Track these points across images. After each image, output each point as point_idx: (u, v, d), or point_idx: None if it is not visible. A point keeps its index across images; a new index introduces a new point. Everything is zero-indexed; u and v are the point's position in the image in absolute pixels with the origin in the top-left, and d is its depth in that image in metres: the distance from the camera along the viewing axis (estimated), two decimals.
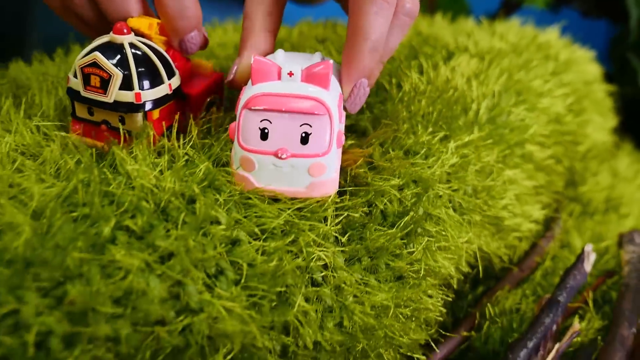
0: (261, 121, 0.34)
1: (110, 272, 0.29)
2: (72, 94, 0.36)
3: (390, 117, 0.44)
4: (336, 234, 0.36)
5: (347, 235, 0.36)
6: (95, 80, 0.35)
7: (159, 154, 0.35)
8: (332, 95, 0.34)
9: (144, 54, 0.36)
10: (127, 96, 0.35)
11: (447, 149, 0.41)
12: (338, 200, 0.37)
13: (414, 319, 0.38)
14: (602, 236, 0.53)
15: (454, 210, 0.40)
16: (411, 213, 0.37)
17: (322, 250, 0.34)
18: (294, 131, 0.34)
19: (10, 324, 0.27)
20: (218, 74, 0.41)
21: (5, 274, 0.28)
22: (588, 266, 0.43)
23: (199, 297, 0.30)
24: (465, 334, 0.43)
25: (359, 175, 0.38)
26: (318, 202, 0.35)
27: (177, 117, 0.37)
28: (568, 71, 0.59)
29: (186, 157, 0.35)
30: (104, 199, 0.32)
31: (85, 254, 0.29)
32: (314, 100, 0.33)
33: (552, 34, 0.65)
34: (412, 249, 0.37)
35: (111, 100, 0.35)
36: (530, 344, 0.38)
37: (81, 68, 0.35)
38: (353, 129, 0.44)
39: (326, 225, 0.35)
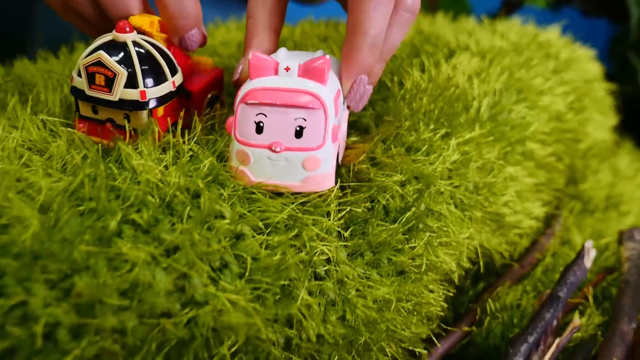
0: (257, 115, 0.34)
1: (116, 265, 0.30)
2: (77, 92, 0.36)
3: (393, 114, 0.44)
4: (339, 229, 0.36)
5: (349, 230, 0.36)
6: (99, 79, 0.35)
7: (164, 150, 0.36)
8: (328, 90, 0.35)
9: (147, 51, 0.36)
10: (132, 94, 0.35)
11: (449, 146, 0.42)
12: (341, 195, 0.37)
13: (415, 313, 0.38)
14: (602, 233, 0.53)
15: (455, 206, 0.41)
16: (413, 209, 0.38)
17: (325, 245, 0.34)
18: (289, 125, 0.34)
19: (18, 315, 0.28)
20: (218, 70, 0.42)
21: (13, 267, 0.28)
22: (588, 262, 0.44)
23: (204, 290, 0.30)
24: (466, 329, 0.44)
25: (361, 171, 0.39)
26: (321, 196, 0.36)
27: (182, 113, 0.37)
28: (568, 70, 0.59)
29: (191, 152, 0.35)
30: (110, 193, 0.32)
31: (92, 247, 0.30)
32: (308, 94, 0.34)
33: (552, 33, 0.65)
34: (414, 244, 0.37)
35: (116, 99, 0.35)
36: (531, 339, 0.38)
37: (85, 67, 0.35)
38: (356, 126, 0.45)
39: (329, 220, 0.35)
